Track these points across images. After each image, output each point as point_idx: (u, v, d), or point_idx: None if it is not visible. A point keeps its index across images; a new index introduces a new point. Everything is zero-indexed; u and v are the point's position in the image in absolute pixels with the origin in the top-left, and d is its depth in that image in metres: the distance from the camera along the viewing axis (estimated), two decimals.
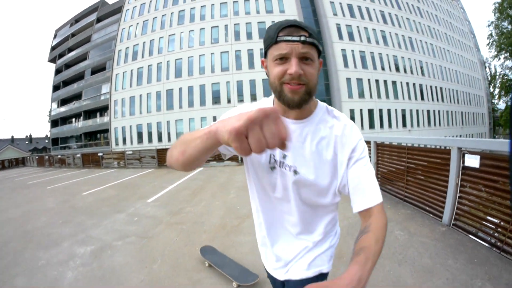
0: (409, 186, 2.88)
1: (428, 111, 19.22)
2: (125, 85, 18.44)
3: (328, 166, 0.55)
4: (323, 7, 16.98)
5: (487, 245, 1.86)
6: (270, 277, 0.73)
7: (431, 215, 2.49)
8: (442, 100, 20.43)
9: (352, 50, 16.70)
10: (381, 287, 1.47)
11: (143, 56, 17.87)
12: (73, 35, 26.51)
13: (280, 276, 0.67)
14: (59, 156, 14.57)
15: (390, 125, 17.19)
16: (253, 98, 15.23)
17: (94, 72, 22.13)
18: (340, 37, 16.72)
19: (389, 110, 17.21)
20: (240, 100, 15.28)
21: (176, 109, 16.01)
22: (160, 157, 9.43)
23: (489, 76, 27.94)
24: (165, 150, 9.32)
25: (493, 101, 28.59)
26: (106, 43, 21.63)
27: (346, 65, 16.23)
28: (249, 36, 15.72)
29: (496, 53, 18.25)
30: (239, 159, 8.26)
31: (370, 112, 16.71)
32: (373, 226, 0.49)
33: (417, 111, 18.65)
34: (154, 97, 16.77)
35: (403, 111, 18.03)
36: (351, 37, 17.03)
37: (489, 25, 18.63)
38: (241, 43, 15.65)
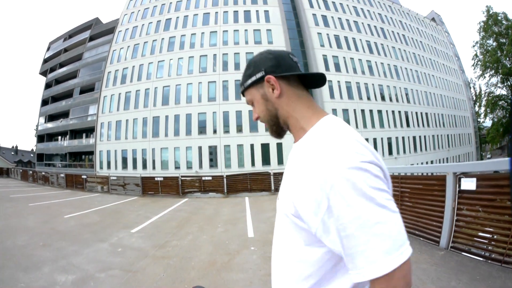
0: (403, 214, 2.94)
1: (414, 137, 19.56)
2: (112, 108, 18.24)
3: (308, 207, 0.39)
4: (311, 38, 17.39)
5: (487, 261, 1.94)
6: None
7: (428, 240, 2.55)
8: (428, 125, 20.90)
9: (338, 81, 17.02)
10: None
11: (131, 80, 17.78)
12: (65, 50, 26.43)
13: None
14: (43, 173, 14.31)
15: None
16: (239, 129, 15.19)
17: (83, 91, 21.91)
18: (327, 68, 17.04)
19: (375, 139, 17.42)
20: (226, 131, 15.23)
21: (161, 136, 15.81)
22: (145, 185, 9.04)
23: (473, 96, 28.97)
24: (151, 178, 9.09)
25: (478, 120, 29.49)
26: (97, 63, 21.56)
27: (332, 96, 16.50)
28: (237, 66, 15.83)
29: (481, 72, 18.95)
30: (225, 191, 8.25)
31: None
32: None
33: (403, 138, 18.96)
34: (140, 123, 16.58)
35: (389, 139, 18.30)
36: (337, 68, 17.40)
37: (474, 46, 19.52)
38: (228, 74, 15.74)
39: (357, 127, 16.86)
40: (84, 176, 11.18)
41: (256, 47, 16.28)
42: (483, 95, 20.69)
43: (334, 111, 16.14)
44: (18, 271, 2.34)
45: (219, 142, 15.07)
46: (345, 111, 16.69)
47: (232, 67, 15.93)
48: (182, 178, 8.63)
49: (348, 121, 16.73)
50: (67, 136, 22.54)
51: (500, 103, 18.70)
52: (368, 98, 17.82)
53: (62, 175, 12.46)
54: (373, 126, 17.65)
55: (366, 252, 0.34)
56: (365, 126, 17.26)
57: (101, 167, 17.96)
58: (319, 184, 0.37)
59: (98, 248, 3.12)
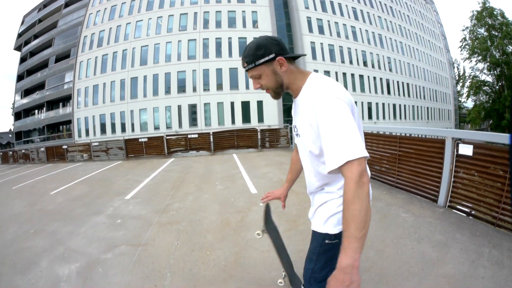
0: (401, 173, 3.05)
1: (394, 105, 19.97)
2: (89, 73, 17.44)
3: (310, 131, 0.68)
4: (296, 0, 17.05)
5: (482, 222, 2.12)
6: None
7: (426, 199, 2.69)
8: (409, 96, 21.37)
9: (321, 43, 16.91)
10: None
11: (108, 42, 16.96)
12: (40, 20, 24.71)
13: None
14: (23, 151, 13.56)
15: None
16: (219, 87, 14.97)
17: (58, 59, 20.75)
18: (310, 30, 16.88)
19: (355, 103, 17.65)
20: (206, 89, 14.94)
21: (140, 97, 15.40)
22: (129, 148, 8.65)
23: (457, 76, 29.73)
24: (134, 140, 8.73)
25: (459, 99, 30.44)
26: (72, 29, 20.34)
27: (314, 57, 16.43)
28: (218, 24, 15.40)
29: (468, 55, 19.21)
30: (211, 149, 8.09)
31: None
32: (344, 192, 0.56)
33: (383, 104, 19.27)
34: (118, 85, 16.00)
35: (369, 103, 18.56)
36: (321, 30, 17.24)
37: (463, 30, 19.63)
38: (209, 31, 15.28)
39: None
40: (64, 146, 10.72)
41: (239, 5, 15.81)
42: (467, 77, 21.19)
43: (316, 72, 16.19)
44: (15, 275, 1.92)
45: (199, 101, 14.83)
46: (327, 72, 16.64)
47: (214, 25, 15.45)
48: (167, 138, 8.36)
49: None
50: (44, 109, 21.53)
51: (484, 88, 19.11)
52: (351, 62, 17.86)
53: (42, 149, 11.89)
54: (354, 89, 17.83)
55: (333, 146, 0.57)
56: (346, 88, 17.36)
57: (79, 135, 17.38)
58: (313, 108, 0.64)
59: (95, 223, 2.74)
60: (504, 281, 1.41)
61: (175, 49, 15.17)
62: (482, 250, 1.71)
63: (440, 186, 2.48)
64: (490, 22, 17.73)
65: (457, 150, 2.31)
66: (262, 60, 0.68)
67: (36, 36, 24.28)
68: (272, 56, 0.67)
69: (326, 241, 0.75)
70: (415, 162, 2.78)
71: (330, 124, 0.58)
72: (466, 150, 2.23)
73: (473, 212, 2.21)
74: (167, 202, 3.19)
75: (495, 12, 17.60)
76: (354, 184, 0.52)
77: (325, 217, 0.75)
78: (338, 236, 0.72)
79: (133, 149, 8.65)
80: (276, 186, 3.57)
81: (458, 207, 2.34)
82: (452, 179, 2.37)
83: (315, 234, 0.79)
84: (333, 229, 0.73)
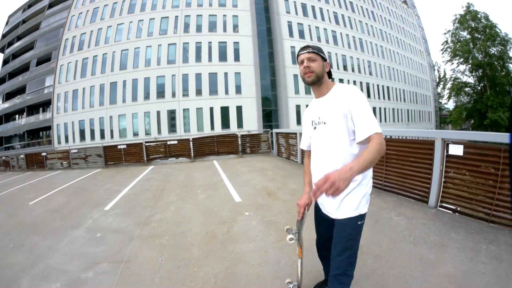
0: (389, 176, 3.01)
1: (374, 108, 20.40)
2: (69, 77, 17.17)
3: (342, 116, 0.91)
4: (277, 4, 17.23)
5: (476, 219, 2.15)
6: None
7: (416, 200, 2.68)
8: (389, 99, 21.97)
9: None
10: None
11: (89, 45, 16.73)
12: (23, 21, 24.13)
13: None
14: (3, 158, 13.06)
15: None
16: (199, 92, 14.97)
17: (39, 63, 20.34)
18: (291, 34, 17.11)
19: None
20: (185, 94, 14.98)
21: (119, 103, 15.19)
22: (107, 155, 8.43)
23: (437, 78, 30.65)
24: (113, 147, 8.52)
25: (440, 100, 31.42)
26: (54, 31, 19.99)
27: (294, 61, 16.58)
28: (198, 28, 15.42)
29: (450, 58, 19.64)
30: (191, 155, 7.96)
31: None
32: (368, 146, 0.80)
33: None
34: (97, 90, 15.78)
35: None
36: (301, 35, 17.50)
37: (445, 33, 20.10)
38: (190, 35, 15.28)
39: None
40: (44, 154, 10.44)
41: (220, 9, 15.89)
42: (448, 79, 21.75)
43: (296, 76, 16.43)
44: None
45: (178, 106, 14.81)
46: None
47: (194, 29, 15.46)
48: (147, 144, 8.21)
49: (309, 88, 16.93)
50: (24, 114, 21.04)
51: (466, 89, 19.66)
52: (331, 66, 18.26)
53: (21, 156, 11.55)
54: None
55: (366, 123, 0.85)
56: None
57: (59, 142, 17.05)
58: (349, 98, 0.90)
59: (74, 237, 2.63)
60: (504, 274, 1.43)
61: (155, 53, 15.11)
62: (479, 247, 1.71)
63: (430, 187, 2.50)
64: (473, 25, 18.30)
65: (447, 151, 2.35)
66: (322, 54, 0.98)
67: (19, 38, 23.72)
68: (326, 58, 0.99)
69: (359, 223, 0.92)
70: (403, 164, 2.79)
71: (363, 109, 0.86)
72: (456, 150, 2.27)
73: (465, 211, 2.25)
74: (148, 213, 3.08)
75: (479, 15, 17.98)
76: (379, 144, 0.78)
77: (357, 201, 0.92)
78: (365, 216, 0.95)
79: (112, 156, 8.47)
80: (259, 193, 3.53)
81: (450, 206, 2.37)
82: (443, 179, 2.39)
83: (345, 221, 0.92)
84: (364, 209, 0.93)
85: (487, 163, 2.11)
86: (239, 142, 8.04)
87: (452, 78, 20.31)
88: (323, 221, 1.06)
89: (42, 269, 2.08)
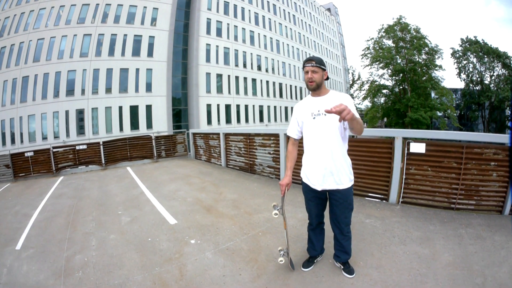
0: None
1: (286, 108, 23.41)
2: None
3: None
4: (200, 0, 17.76)
5: (442, 209, 2.29)
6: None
7: (376, 199, 2.71)
8: (301, 98, 26.30)
9: (217, 46, 18.22)
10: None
11: (9, 33, 14.81)
12: None
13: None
14: None
15: (247, 120, 20.07)
16: (108, 90, 14.51)
17: None
18: (208, 32, 17.73)
19: (246, 106, 19.88)
20: (95, 91, 14.20)
21: (29, 101, 13.78)
22: (16, 166, 6.93)
23: (351, 81, 35.89)
24: (21, 155, 7.04)
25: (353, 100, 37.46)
26: None
27: (208, 59, 17.51)
28: (116, 19, 15.11)
29: (370, 62, 21.33)
30: (103, 162, 7.20)
31: (228, 107, 18.82)
32: None
33: (275, 107, 22.17)
34: (9, 86, 14.22)
35: (261, 107, 21.03)
36: (219, 33, 18.47)
37: (368, 40, 21.94)
38: (106, 26, 14.94)
39: (229, 93, 19.03)
40: None
41: (141, 1, 15.69)
42: (365, 82, 23.83)
43: (208, 75, 17.78)
44: None
45: (87, 105, 14.17)
46: (219, 75, 18.48)
47: (112, 19, 14.99)
48: (54, 150, 7.18)
49: (221, 87, 18.51)
50: None
51: (384, 91, 21.60)
52: (245, 66, 19.98)
53: None
54: (245, 93, 19.95)
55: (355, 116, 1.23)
56: (237, 92, 19.40)
57: None
58: (344, 100, 1.38)
59: None
60: (492, 248, 1.63)
61: (69, 44, 14.46)
62: (459, 232, 1.84)
63: (390, 185, 2.54)
64: (400, 35, 19.93)
65: (408, 149, 2.42)
66: (323, 67, 1.36)
67: None
68: (325, 68, 1.39)
69: (352, 187, 1.45)
70: (358, 164, 2.73)
71: (353, 107, 1.24)
72: (418, 147, 2.36)
73: (429, 203, 2.36)
74: (66, 254, 2.32)
75: (409, 28, 19.58)
76: (362, 124, 1.23)
77: (349, 173, 1.41)
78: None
79: (21, 166, 7.10)
80: (195, 208, 3.02)
81: (413, 201, 2.45)
82: (404, 176, 2.46)
83: (346, 190, 1.41)
84: (352, 178, 1.44)
85: (449, 158, 2.25)
86: (153, 145, 7.54)
87: (370, 81, 22.33)
88: (318, 201, 1.50)
89: None
